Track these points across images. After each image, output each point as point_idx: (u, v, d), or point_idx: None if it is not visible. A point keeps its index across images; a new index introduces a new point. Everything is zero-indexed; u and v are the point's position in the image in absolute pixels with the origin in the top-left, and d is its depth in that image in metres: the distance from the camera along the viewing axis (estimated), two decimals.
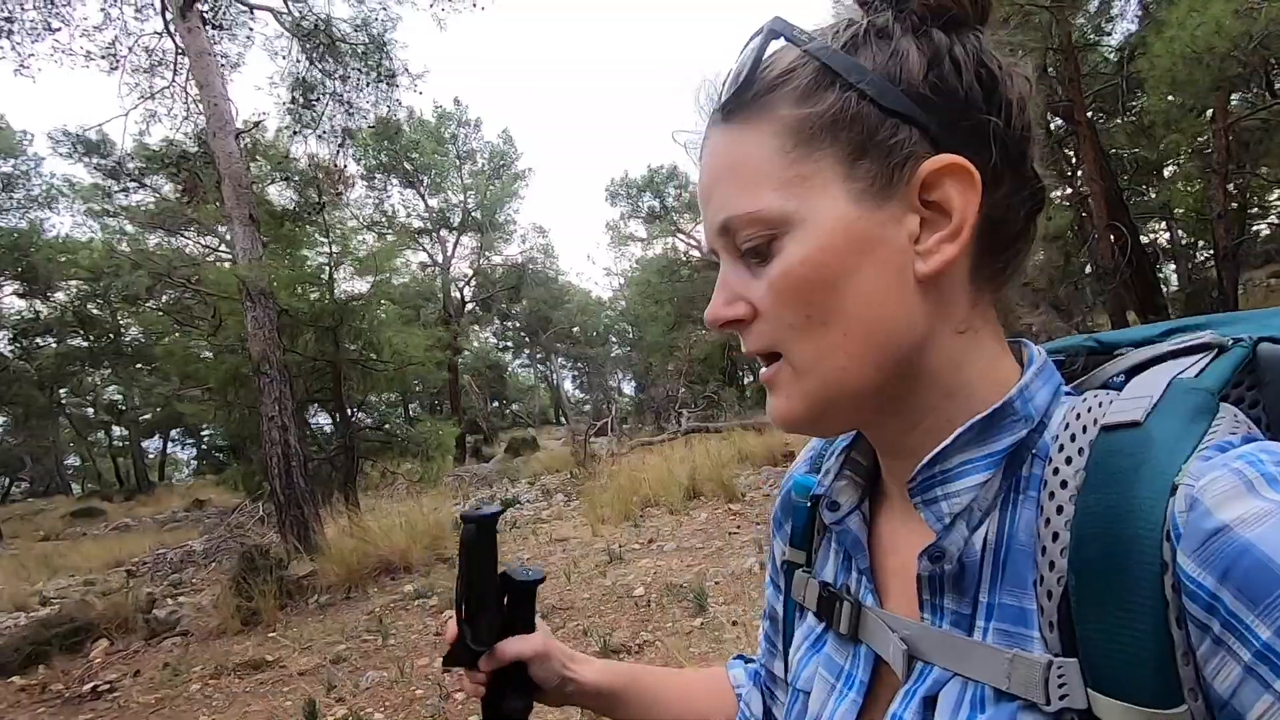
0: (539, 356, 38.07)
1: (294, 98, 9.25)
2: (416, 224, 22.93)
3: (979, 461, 0.43)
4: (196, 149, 11.59)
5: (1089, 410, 0.42)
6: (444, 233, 23.93)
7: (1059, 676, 0.37)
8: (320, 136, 11.21)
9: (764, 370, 0.47)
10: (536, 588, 0.68)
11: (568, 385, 42.30)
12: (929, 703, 0.43)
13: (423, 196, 23.38)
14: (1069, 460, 0.40)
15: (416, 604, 6.01)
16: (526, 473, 17.69)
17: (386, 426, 10.31)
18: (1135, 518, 0.35)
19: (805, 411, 0.45)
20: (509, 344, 36.86)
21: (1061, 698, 0.37)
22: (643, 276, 24.57)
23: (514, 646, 0.66)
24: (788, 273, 0.43)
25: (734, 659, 0.77)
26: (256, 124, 9.00)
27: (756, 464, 11.04)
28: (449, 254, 24.06)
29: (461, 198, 23.86)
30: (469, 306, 24.97)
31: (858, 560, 0.52)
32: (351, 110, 9.63)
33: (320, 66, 9.21)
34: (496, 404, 36.04)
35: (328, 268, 9.31)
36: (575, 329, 34.15)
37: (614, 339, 37.76)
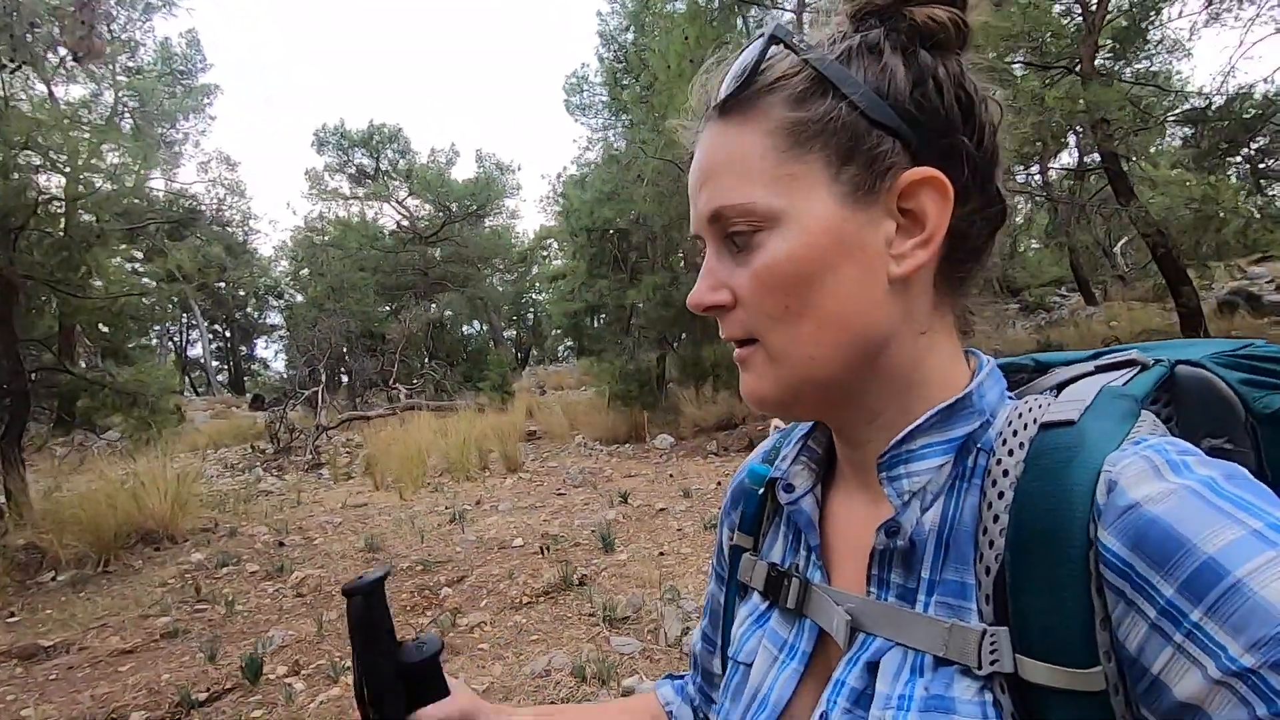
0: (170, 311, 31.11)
1: None
2: (37, 115, 17.09)
3: (938, 446, 0.48)
4: None
5: (1030, 410, 0.47)
6: (76, 134, 18.30)
7: (991, 643, 0.41)
8: None
9: (738, 350, 0.50)
10: (438, 658, 0.63)
11: (197, 350, 35.35)
12: (871, 669, 0.46)
13: (44, 79, 17.58)
14: (1011, 452, 0.45)
15: (224, 571, 5.12)
16: (182, 446, 14.90)
17: (83, 368, 7.89)
18: (1068, 501, 0.40)
19: (775, 394, 0.49)
20: (133, 293, 29.38)
21: (992, 662, 0.41)
22: (349, 239, 22.27)
23: (432, 714, 0.62)
24: (772, 266, 0.46)
25: (662, 679, 0.78)
26: None
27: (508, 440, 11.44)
28: (78, 163, 18.48)
29: (112, 95, 18.61)
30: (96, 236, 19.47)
31: (808, 538, 0.55)
32: None
33: None
34: (99, 363, 28.30)
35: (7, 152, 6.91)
36: (221, 285, 28.94)
37: (274, 302, 32.97)
